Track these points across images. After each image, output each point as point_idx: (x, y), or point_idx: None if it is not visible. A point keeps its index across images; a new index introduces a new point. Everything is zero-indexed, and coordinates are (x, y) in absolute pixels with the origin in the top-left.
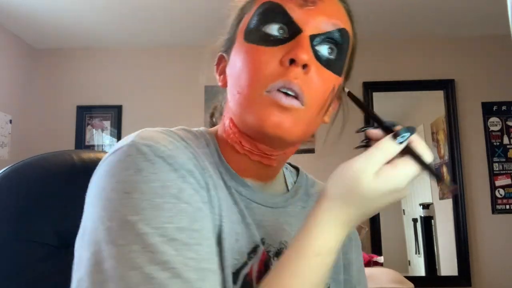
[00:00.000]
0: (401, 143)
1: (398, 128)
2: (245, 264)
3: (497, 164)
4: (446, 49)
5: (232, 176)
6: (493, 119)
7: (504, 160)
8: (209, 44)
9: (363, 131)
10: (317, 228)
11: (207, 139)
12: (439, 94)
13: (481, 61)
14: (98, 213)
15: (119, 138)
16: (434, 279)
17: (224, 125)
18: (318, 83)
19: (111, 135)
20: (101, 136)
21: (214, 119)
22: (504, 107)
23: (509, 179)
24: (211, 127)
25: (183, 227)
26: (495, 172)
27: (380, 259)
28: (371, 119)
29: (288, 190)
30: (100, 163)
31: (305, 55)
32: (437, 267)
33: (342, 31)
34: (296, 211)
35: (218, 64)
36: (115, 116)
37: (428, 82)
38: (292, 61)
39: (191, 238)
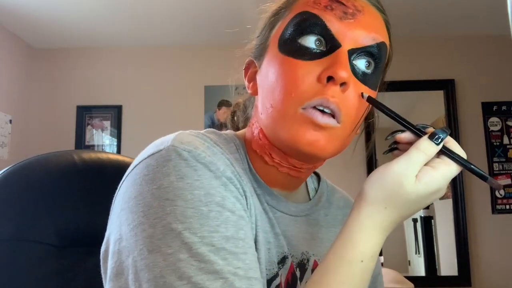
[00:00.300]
0: (438, 144)
1: (430, 130)
2: (276, 275)
3: (497, 164)
4: (446, 49)
5: (260, 185)
6: (493, 119)
7: (504, 160)
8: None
9: (392, 136)
10: (359, 234)
11: (237, 144)
12: (439, 94)
13: (481, 61)
14: (137, 219)
15: (119, 138)
16: (434, 279)
17: (252, 133)
18: (355, 100)
19: (111, 135)
20: (101, 136)
21: (235, 118)
22: (504, 107)
23: (509, 179)
24: (232, 125)
25: (229, 236)
26: (495, 172)
27: (380, 259)
28: (399, 123)
29: (309, 196)
30: (133, 165)
31: (344, 73)
32: (437, 267)
33: (380, 45)
34: (319, 220)
35: (246, 69)
36: (115, 116)
37: (428, 82)
38: (330, 78)
39: (237, 247)
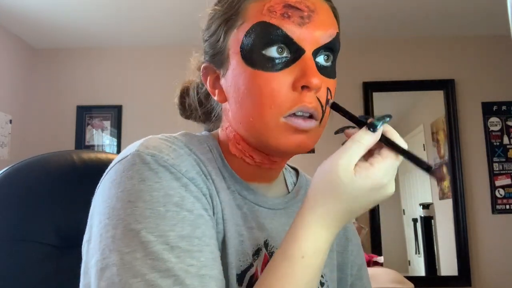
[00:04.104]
0: (374, 131)
1: (371, 120)
2: (250, 265)
3: (497, 164)
4: (446, 49)
5: (236, 181)
6: (493, 119)
7: (504, 160)
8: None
9: (342, 131)
10: (301, 229)
11: (210, 144)
12: (439, 94)
13: (481, 61)
14: (103, 221)
15: (119, 138)
16: (434, 279)
17: (227, 136)
18: (325, 96)
19: (111, 135)
20: (101, 136)
21: (186, 105)
22: (504, 107)
23: (509, 179)
24: (183, 113)
25: (185, 235)
26: (495, 172)
27: (380, 259)
28: (347, 118)
29: (288, 190)
30: (107, 170)
31: (317, 80)
32: (437, 267)
33: (336, 38)
34: (297, 212)
35: (205, 75)
36: (115, 116)
37: (428, 82)
38: (305, 86)
39: (192, 245)
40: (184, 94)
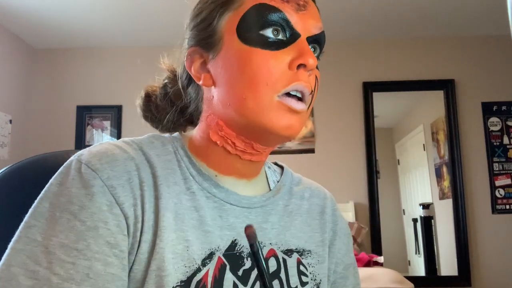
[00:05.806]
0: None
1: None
2: (197, 270)
3: (497, 164)
4: (446, 49)
5: (205, 178)
6: (493, 119)
7: (504, 160)
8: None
9: None
10: None
11: (176, 145)
12: (439, 94)
13: (481, 61)
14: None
15: (119, 138)
16: (434, 279)
17: (208, 126)
18: (314, 83)
19: (111, 135)
20: (101, 136)
21: (152, 108)
22: (504, 107)
23: (509, 179)
24: (151, 117)
25: (65, 244)
26: (495, 172)
27: (380, 259)
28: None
29: (270, 188)
30: None
31: (312, 60)
32: (437, 267)
33: (323, 32)
34: (277, 210)
35: (190, 60)
36: (115, 116)
37: (428, 82)
38: (300, 66)
39: (68, 255)
40: (150, 95)
